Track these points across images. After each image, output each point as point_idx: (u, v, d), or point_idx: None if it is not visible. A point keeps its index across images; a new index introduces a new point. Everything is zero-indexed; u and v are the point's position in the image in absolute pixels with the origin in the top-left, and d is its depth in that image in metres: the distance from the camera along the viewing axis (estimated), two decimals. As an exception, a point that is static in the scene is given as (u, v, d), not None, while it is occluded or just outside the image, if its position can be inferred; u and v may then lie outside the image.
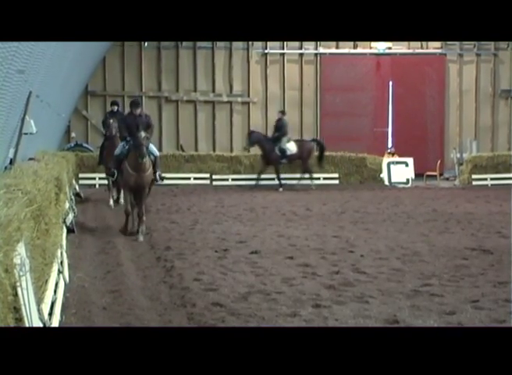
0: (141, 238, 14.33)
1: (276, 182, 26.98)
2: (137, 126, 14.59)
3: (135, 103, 15.77)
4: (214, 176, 28.01)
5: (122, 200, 19.16)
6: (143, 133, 14.44)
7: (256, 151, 30.58)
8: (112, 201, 20.52)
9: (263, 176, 27.89)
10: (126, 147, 15.14)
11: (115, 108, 21.68)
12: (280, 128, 27.01)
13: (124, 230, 15.22)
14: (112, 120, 20.67)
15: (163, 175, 16.01)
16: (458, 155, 30.70)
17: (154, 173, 15.18)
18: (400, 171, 28.66)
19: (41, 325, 5.97)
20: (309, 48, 32.58)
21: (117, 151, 15.60)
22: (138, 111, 15.43)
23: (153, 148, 15.49)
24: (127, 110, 20.04)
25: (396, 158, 29.50)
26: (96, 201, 21.66)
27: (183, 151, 30.15)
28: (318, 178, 28.39)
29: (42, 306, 6.40)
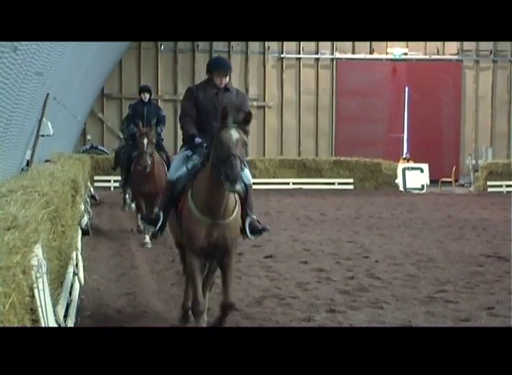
0: None
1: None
2: (224, 115, 6.96)
3: (220, 64, 7.99)
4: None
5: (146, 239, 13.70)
6: (235, 133, 6.91)
7: (271, 155, 30.65)
8: (147, 238, 13.76)
9: (278, 180, 28.05)
10: (194, 161, 7.70)
11: (147, 96, 15.14)
12: None
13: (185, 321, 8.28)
14: (141, 127, 13.85)
15: (264, 224, 8.01)
16: (474, 162, 30.64)
17: (243, 218, 7.73)
18: (415, 177, 28.62)
19: (57, 327, 5.98)
20: (325, 52, 32.59)
21: (172, 172, 7.98)
22: (224, 81, 7.88)
23: (246, 169, 7.63)
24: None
25: (412, 164, 29.46)
26: (111, 204, 21.69)
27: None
28: (333, 183, 28.42)
29: (58, 308, 6.42)
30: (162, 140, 15.19)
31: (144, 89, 15.38)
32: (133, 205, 16.92)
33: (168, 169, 13.84)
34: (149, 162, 13.65)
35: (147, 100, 15.04)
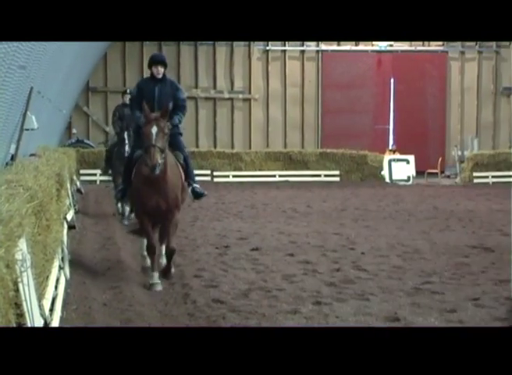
0: None
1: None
2: None
3: None
4: (215, 173, 28.02)
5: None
6: None
7: (257, 148, 30.64)
8: (156, 278, 9.94)
9: (264, 173, 28.06)
10: None
11: (161, 70, 10.13)
12: None
13: None
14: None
15: None
16: (459, 153, 30.72)
17: None
18: (401, 168, 28.67)
19: (42, 321, 5.97)
20: (310, 44, 32.55)
21: None
22: None
23: None
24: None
25: (397, 156, 29.51)
26: (97, 198, 21.63)
27: (184, 147, 30.11)
28: (319, 175, 28.46)
29: (43, 302, 6.41)
30: (181, 134, 10.69)
31: (156, 60, 10.32)
32: (133, 215, 12.23)
33: (185, 177, 10.43)
34: (159, 159, 9.19)
35: (160, 76, 10.15)
